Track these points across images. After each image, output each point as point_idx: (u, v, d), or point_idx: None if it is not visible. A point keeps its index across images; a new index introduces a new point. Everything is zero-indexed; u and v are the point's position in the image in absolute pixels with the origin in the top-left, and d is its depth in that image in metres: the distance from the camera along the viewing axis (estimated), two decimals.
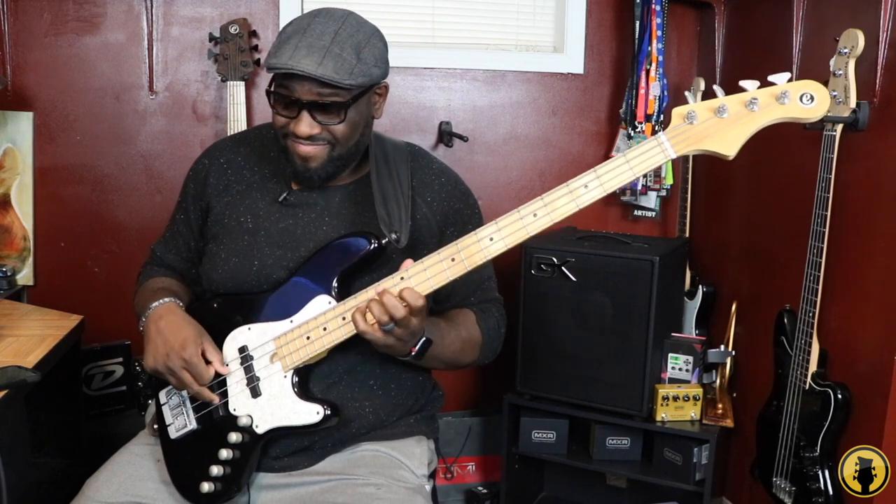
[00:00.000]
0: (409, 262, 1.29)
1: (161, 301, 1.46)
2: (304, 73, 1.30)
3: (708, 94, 2.64)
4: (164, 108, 2.53)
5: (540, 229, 1.25)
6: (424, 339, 1.33)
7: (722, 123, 1.19)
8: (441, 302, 1.52)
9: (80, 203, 2.51)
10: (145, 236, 2.46)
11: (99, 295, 2.50)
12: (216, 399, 1.40)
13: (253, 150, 1.56)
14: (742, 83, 1.19)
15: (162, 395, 1.49)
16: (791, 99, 1.17)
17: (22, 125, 2.43)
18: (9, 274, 2.16)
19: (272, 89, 1.38)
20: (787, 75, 1.19)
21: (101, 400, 2.41)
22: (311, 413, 1.36)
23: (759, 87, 1.19)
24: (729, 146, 1.19)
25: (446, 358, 1.46)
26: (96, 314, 2.21)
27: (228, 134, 2.34)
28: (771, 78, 1.19)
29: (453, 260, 1.27)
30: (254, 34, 2.46)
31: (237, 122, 2.38)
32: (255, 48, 2.44)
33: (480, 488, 2.71)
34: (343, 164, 1.45)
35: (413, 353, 1.33)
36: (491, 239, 1.26)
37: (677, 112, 1.20)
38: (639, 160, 1.21)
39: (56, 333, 1.85)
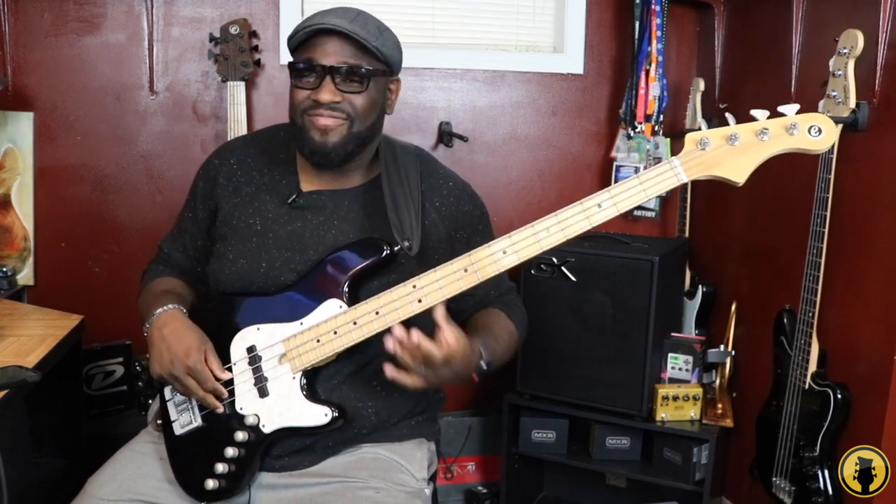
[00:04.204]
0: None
1: (165, 308, 1.46)
2: (336, 27, 1.35)
3: (707, 95, 2.64)
4: (165, 108, 2.53)
5: (552, 245, 1.28)
6: (485, 364, 1.36)
7: (733, 151, 1.23)
8: (462, 301, 1.50)
9: (80, 203, 2.52)
10: (146, 236, 2.46)
11: (99, 295, 2.50)
12: (220, 407, 1.40)
13: (263, 151, 1.56)
14: (753, 112, 1.23)
15: (167, 391, 1.49)
16: (800, 130, 1.22)
17: (22, 125, 2.43)
18: (9, 274, 2.16)
19: (293, 61, 1.40)
20: (797, 107, 1.23)
21: (102, 400, 2.41)
22: (319, 415, 1.37)
23: (768, 118, 1.23)
24: (739, 173, 1.24)
25: (497, 366, 1.47)
26: (97, 314, 2.20)
27: (228, 134, 2.35)
28: (781, 108, 1.23)
29: (465, 271, 1.30)
30: (254, 34, 2.46)
31: (237, 123, 2.38)
32: (256, 48, 2.44)
33: (480, 488, 2.72)
34: (360, 143, 1.45)
35: (476, 381, 1.36)
36: (504, 252, 1.29)
37: (690, 138, 1.24)
38: (652, 182, 1.25)
39: (56, 333, 1.85)
